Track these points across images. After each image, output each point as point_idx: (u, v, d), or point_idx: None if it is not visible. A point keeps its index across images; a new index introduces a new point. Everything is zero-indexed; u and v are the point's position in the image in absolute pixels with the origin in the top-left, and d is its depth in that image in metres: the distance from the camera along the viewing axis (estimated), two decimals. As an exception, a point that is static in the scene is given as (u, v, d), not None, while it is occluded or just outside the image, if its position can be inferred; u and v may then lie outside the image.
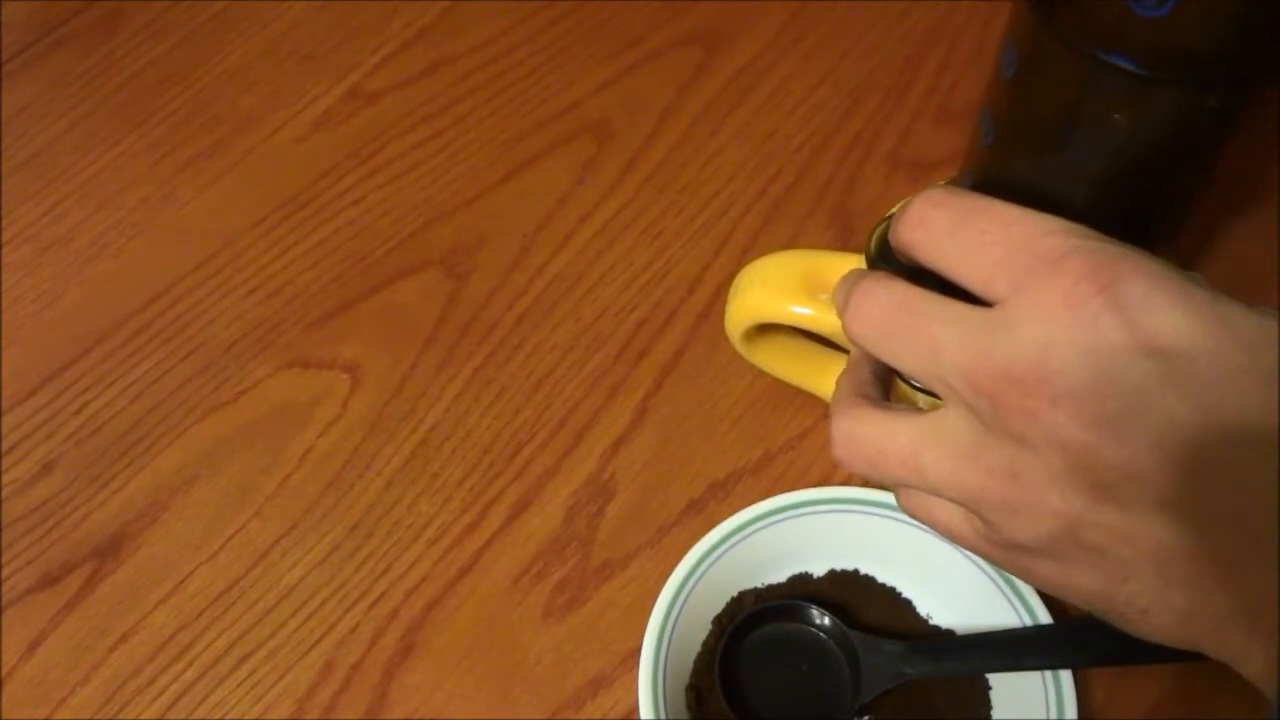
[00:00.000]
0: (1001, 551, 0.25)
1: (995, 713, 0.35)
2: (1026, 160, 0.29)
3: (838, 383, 0.29)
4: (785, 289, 0.35)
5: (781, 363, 0.40)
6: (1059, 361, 0.21)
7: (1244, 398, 0.20)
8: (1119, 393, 0.21)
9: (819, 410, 0.41)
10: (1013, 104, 0.28)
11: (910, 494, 0.26)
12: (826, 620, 0.35)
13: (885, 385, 0.29)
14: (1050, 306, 0.21)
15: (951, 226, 0.24)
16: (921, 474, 0.24)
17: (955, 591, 0.36)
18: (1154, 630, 0.23)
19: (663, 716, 0.33)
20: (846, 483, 0.40)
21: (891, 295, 0.24)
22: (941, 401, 0.24)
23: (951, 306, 0.23)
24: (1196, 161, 0.27)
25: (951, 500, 0.24)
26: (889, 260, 0.28)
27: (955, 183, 0.31)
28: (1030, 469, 0.22)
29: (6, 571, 0.40)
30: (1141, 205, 0.29)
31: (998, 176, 0.29)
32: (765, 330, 0.38)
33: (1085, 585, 0.23)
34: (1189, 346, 0.21)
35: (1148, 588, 0.22)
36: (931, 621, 0.37)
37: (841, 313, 0.26)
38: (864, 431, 0.25)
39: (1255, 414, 0.20)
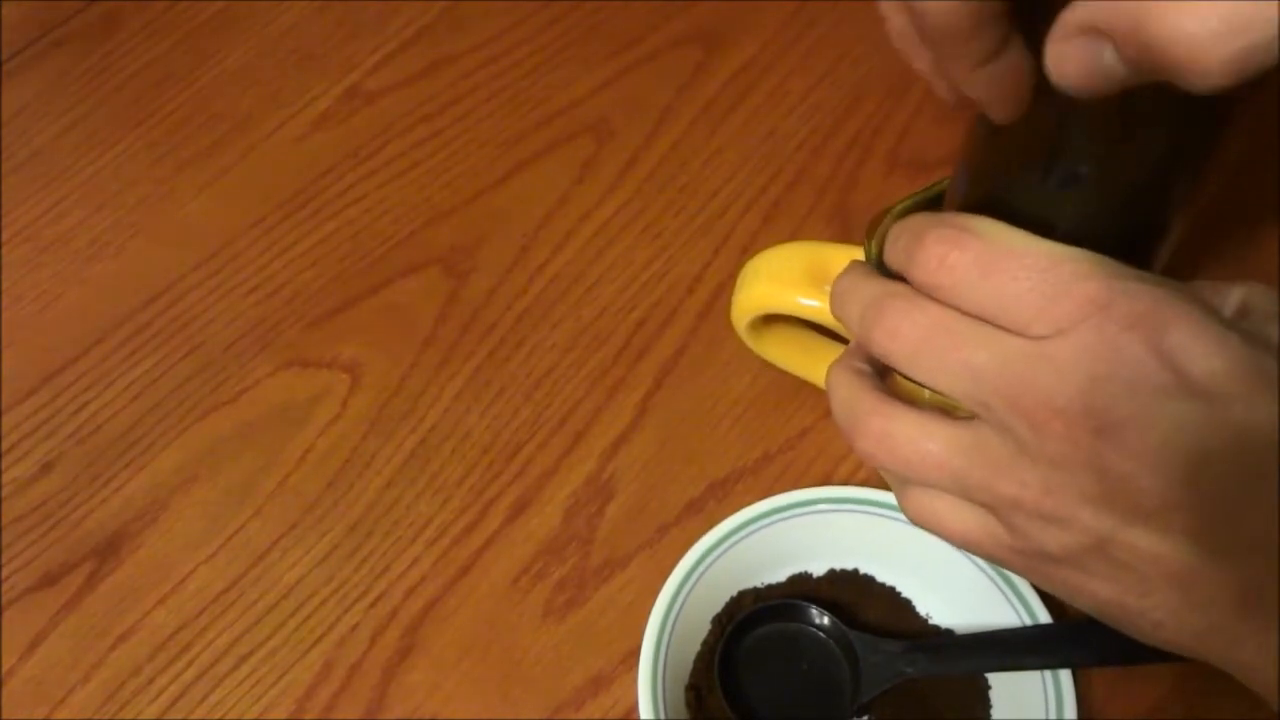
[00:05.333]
0: (1021, 558, 0.25)
1: (995, 712, 0.35)
2: (1023, 159, 0.28)
3: (836, 370, 0.28)
4: (791, 280, 0.35)
5: (786, 354, 0.40)
6: (1104, 397, 0.22)
7: (1274, 440, 0.22)
8: (1160, 429, 0.22)
9: (819, 410, 0.41)
10: None
11: (920, 497, 0.26)
12: (826, 620, 0.35)
13: (884, 374, 0.29)
14: (1096, 348, 0.23)
15: (980, 271, 0.24)
16: (956, 477, 0.25)
17: (955, 591, 0.36)
18: (1163, 641, 0.24)
19: (662, 716, 0.33)
20: (846, 482, 0.40)
21: (928, 316, 0.25)
22: (947, 400, 0.25)
23: (989, 332, 0.24)
24: (1196, 161, 0.27)
25: (983, 504, 0.25)
26: None
27: (953, 180, 0.31)
28: (1064, 487, 0.23)
29: (6, 571, 0.40)
30: (1142, 204, 0.29)
31: (995, 176, 0.29)
32: (770, 321, 0.38)
33: (1101, 594, 0.24)
34: (1226, 391, 0.22)
35: (1165, 604, 0.23)
36: (931, 621, 0.37)
37: (857, 325, 0.27)
38: (900, 431, 0.26)
39: None
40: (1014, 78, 0.24)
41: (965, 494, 0.25)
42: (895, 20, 0.27)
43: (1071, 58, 0.21)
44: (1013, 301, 0.24)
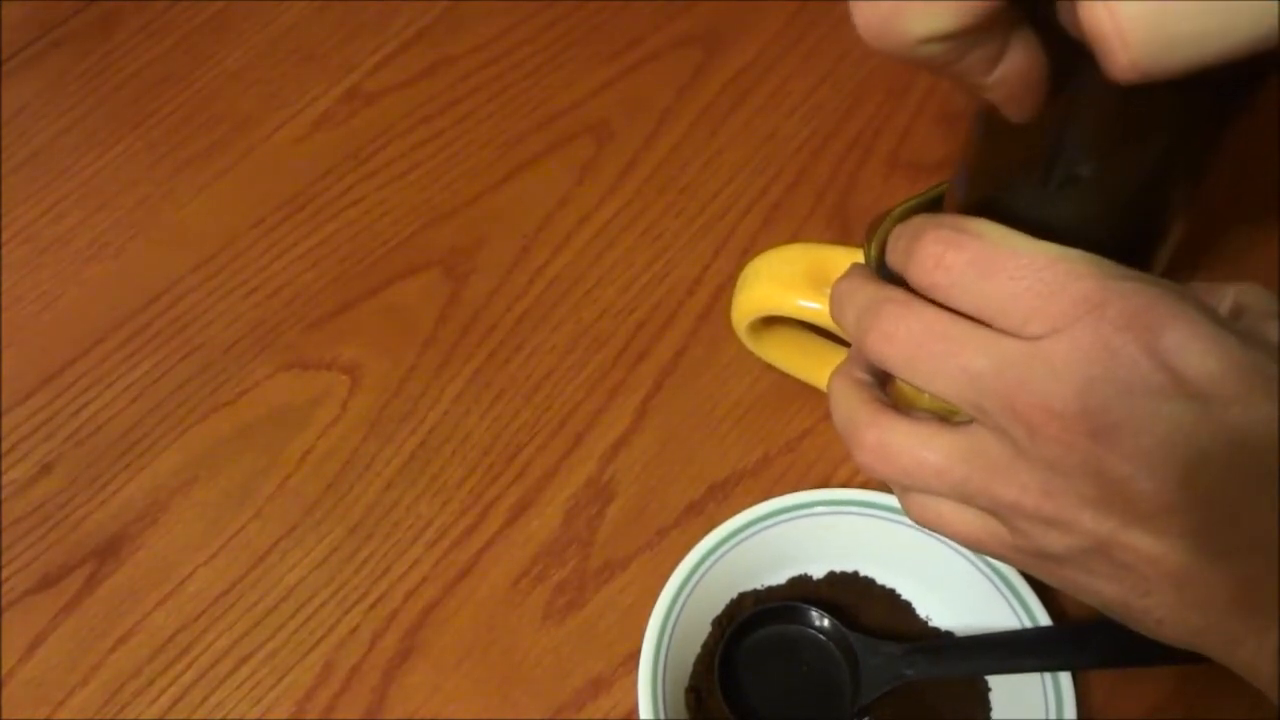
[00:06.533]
0: (1025, 557, 0.25)
1: (994, 714, 0.35)
2: (1022, 161, 0.28)
3: (837, 379, 0.29)
4: (791, 283, 0.35)
5: (786, 356, 0.40)
6: (1099, 399, 0.22)
7: (1271, 441, 0.22)
8: (1156, 431, 0.22)
9: (819, 412, 0.41)
10: None
11: (924, 502, 0.26)
12: (826, 622, 0.35)
13: (883, 379, 0.29)
14: (1091, 349, 0.22)
15: (977, 272, 0.24)
16: (956, 485, 0.25)
17: (955, 593, 0.36)
18: (1166, 638, 0.24)
19: (662, 718, 0.33)
20: (846, 485, 0.40)
21: (922, 321, 0.25)
22: (946, 404, 0.25)
23: (984, 335, 0.24)
24: (1195, 162, 0.27)
25: (984, 509, 0.25)
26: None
27: (953, 182, 0.31)
28: (1063, 490, 0.23)
29: (6, 572, 0.40)
30: (1141, 206, 0.28)
31: (995, 178, 0.29)
32: (770, 323, 0.38)
33: (1105, 593, 0.24)
34: (1222, 392, 0.22)
35: (1165, 603, 0.23)
36: (931, 623, 0.37)
37: (853, 329, 0.27)
38: (898, 442, 0.26)
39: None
40: (1019, 80, 0.23)
41: (966, 499, 0.25)
42: None
43: (1065, 8, 0.21)
44: (1009, 301, 0.24)
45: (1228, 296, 0.26)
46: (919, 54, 0.21)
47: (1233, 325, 0.23)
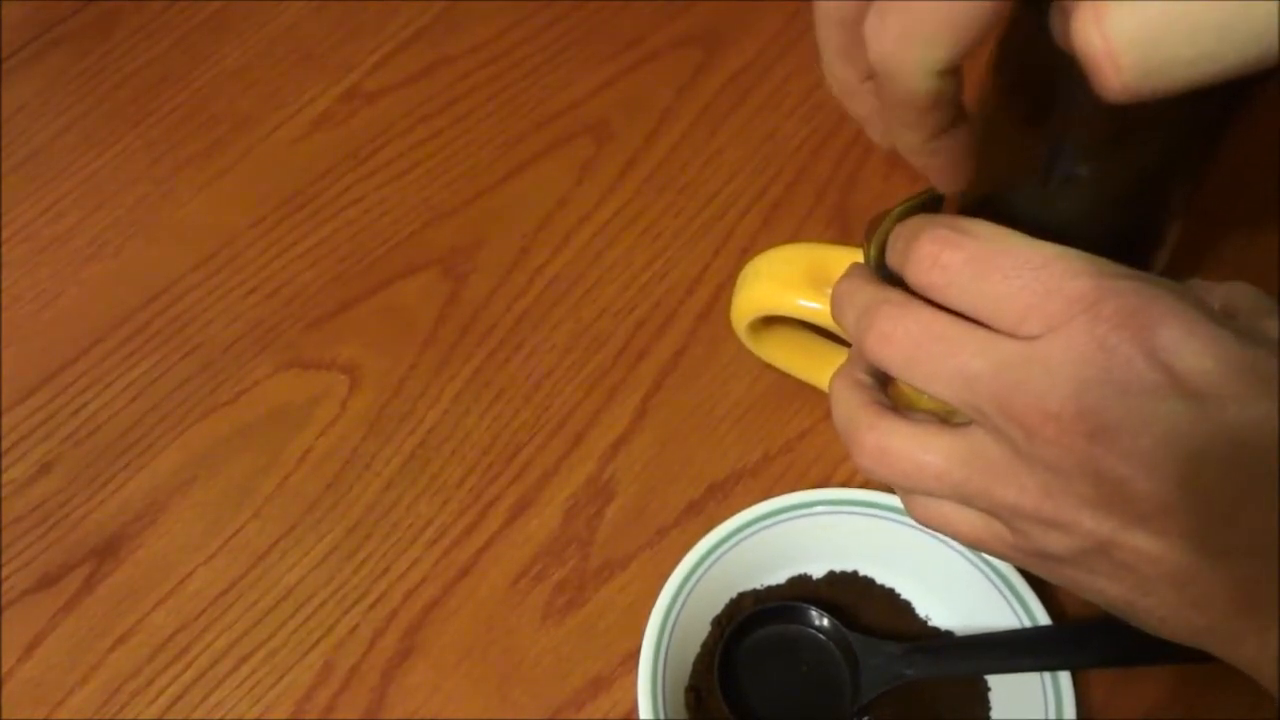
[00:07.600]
0: (1026, 557, 0.26)
1: (994, 713, 0.35)
2: (1021, 161, 0.28)
3: (838, 380, 0.29)
4: (791, 282, 0.35)
5: (786, 355, 0.40)
6: (1095, 399, 0.22)
7: (1269, 440, 0.22)
8: (1153, 431, 0.22)
9: (818, 411, 0.41)
10: (1003, 102, 0.28)
11: (926, 503, 0.26)
12: (825, 621, 0.36)
13: (884, 380, 0.29)
14: (1086, 349, 0.22)
15: (974, 271, 0.24)
16: (956, 487, 0.25)
17: (954, 592, 0.36)
18: (1169, 636, 0.24)
19: (662, 717, 0.33)
20: (846, 484, 0.40)
21: (919, 323, 0.25)
22: (948, 406, 0.25)
23: (981, 336, 0.24)
24: (1193, 161, 0.27)
25: (984, 510, 0.25)
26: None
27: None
28: (1062, 491, 0.23)
29: (6, 572, 0.40)
30: (1140, 207, 0.29)
31: (993, 178, 0.29)
32: (770, 323, 0.38)
33: (1108, 591, 0.24)
34: (1219, 390, 0.22)
35: (1166, 602, 0.23)
36: (930, 622, 0.37)
37: (853, 330, 0.27)
38: (897, 445, 0.26)
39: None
40: (958, 153, 0.25)
41: (966, 501, 0.25)
42: (841, 74, 0.28)
43: (1058, 22, 0.22)
44: (1005, 301, 0.24)
45: (1217, 297, 0.26)
46: (900, 90, 0.22)
47: (1230, 323, 0.23)
